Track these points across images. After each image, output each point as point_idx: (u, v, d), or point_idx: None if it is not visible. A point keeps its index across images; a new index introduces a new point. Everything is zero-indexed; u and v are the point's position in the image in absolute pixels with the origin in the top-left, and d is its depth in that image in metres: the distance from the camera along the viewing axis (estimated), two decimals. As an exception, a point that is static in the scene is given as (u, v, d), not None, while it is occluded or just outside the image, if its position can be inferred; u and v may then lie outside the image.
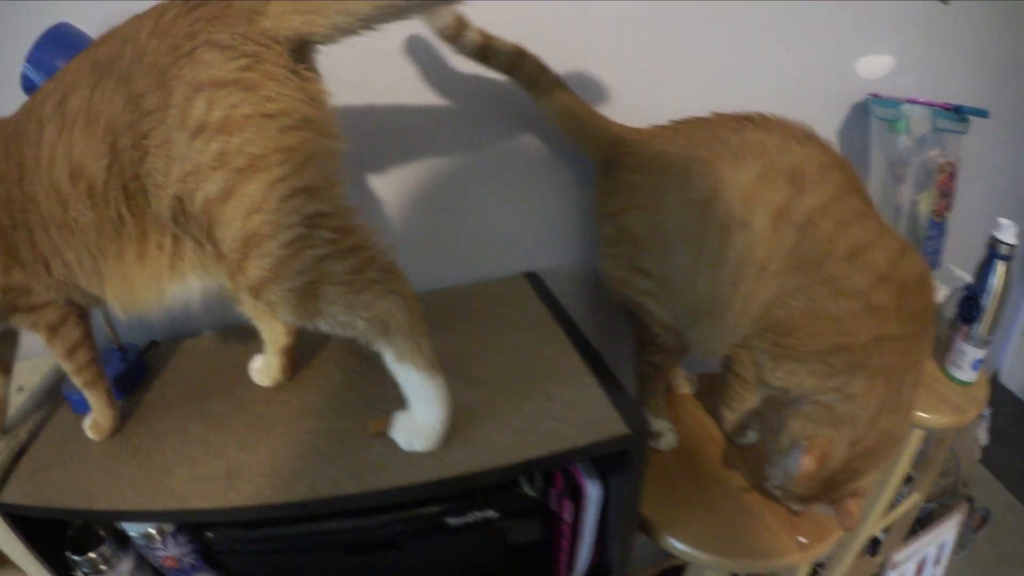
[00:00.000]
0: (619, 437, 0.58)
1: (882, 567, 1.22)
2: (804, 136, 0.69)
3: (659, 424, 0.87)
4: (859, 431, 0.68)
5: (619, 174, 0.78)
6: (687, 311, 0.76)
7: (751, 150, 0.68)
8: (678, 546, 0.75)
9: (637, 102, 0.81)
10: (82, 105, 0.50)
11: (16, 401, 0.86)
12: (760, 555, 0.74)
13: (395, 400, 0.62)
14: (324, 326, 0.55)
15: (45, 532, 0.71)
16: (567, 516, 0.68)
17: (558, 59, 0.80)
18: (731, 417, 0.85)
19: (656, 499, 0.79)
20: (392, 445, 0.61)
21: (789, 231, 0.66)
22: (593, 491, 0.66)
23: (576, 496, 0.68)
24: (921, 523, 1.34)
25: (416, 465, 0.59)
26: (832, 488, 0.70)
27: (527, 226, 0.91)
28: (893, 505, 1.14)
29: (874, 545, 1.32)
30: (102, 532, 0.75)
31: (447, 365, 0.69)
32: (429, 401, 0.58)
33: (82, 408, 0.74)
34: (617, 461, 0.63)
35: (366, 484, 0.58)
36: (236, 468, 0.63)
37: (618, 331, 0.99)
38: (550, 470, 0.68)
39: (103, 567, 0.74)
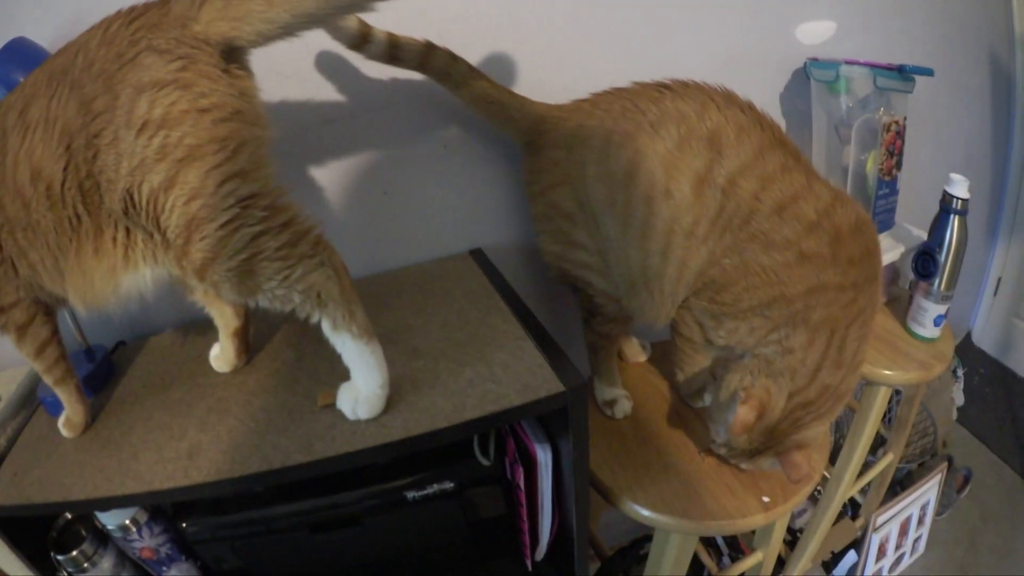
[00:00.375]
0: (555, 395, 0.59)
1: (864, 530, 1.23)
2: (723, 100, 0.70)
3: (613, 392, 0.88)
4: (798, 383, 0.69)
5: (542, 152, 0.79)
6: (624, 282, 0.78)
7: (669, 119, 0.69)
8: (640, 511, 0.76)
9: (574, 76, 0.82)
10: (41, 112, 0.54)
11: (-3, 409, 0.88)
12: (723, 516, 0.75)
13: (342, 375, 0.64)
14: (264, 301, 0.58)
15: (30, 535, 0.73)
16: (520, 482, 0.70)
17: (496, 38, 0.82)
18: (681, 378, 0.86)
19: (615, 467, 0.80)
20: (340, 416, 0.63)
21: (712, 195, 0.68)
22: (543, 455, 0.68)
23: (528, 462, 0.70)
24: (901, 484, 1.34)
25: (362, 433, 0.60)
26: (774, 439, 0.71)
27: (471, 204, 0.92)
28: (867, 466, 1.14)
29: (854, 508, 1.32)
30: (83, 531, 0.77)
31: (391, 339, 0.72)
32: (368, 368, 0.60)
33: (56, 410, 0.76)
34: (561, 423, 0.64)
35: (315, 453, 0.60)
36: (196, 448, 0.65)
37: (566, 299, 1.01)
38: (492, 430, 0.69)
39: (86, 564, 0.76)
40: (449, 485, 0.70)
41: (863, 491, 1.25)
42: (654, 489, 0.78)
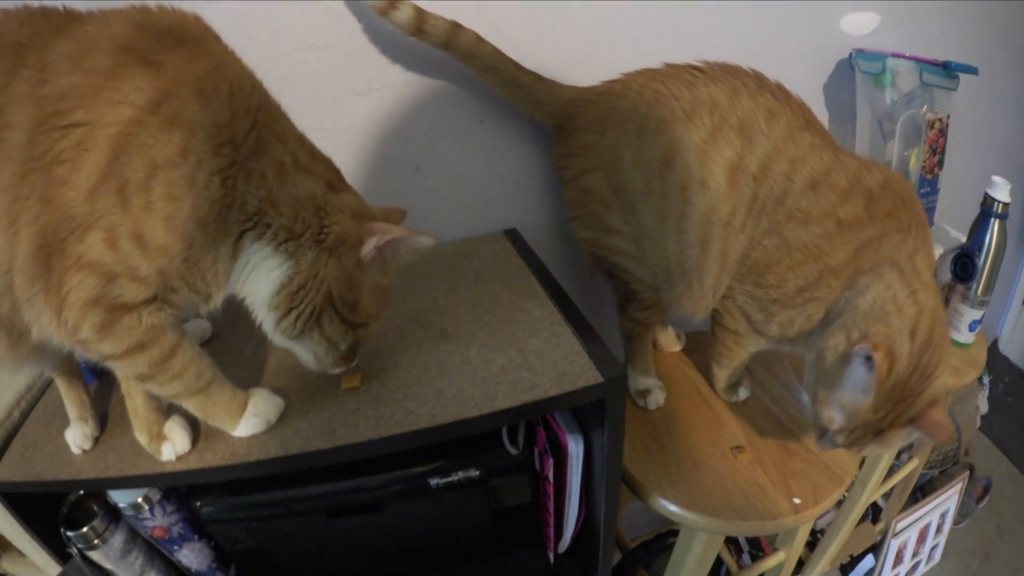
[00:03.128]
0: (593, 386, 0.54)
1: (884, 534, 1.17)
2: (755, 84, 0.67)
3: (647, 381, 0.83)
4: (908, 315, 0.57)
5: (574, 136, 0.75)
6: (661, 272, 0.73)
7: (703, 106, 0.66)
8: (668, 507, 0.71)
9: (616, 60, 0.77)
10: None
11: (10, 384, 0.84)
12: (753, 516, 0.69)
13: (371, 355, 0.59)
14: None
15: (40, 511, 0.69)
16: (549, 474, 0.64)
17: (531, 19, 0.77)
18: (721, 374, 0.80)
19: (646, 460, 0.75)
20: (364, 401, 0.58)
21: (746, 183, 0.65)
22: (574, 447, 0.62)
23: (557, 453, 0.65)
24: (922, 491, 1.28)
25: (387, 419, 0.55)
26: (905, 401, 0.58)
27: (507, 182, 0.86)
28: (892, 470, 1.08)
29: (875, 512, 1.26)
30: (94, 507, 0.73)
31: (419, 320, 0.67)
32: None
33: (91, 378, 0.73)
34: (596, 414, 0.59)
35: (336, 439, 0.54)
36: (212, 430, 0.60)
37: (602, 284, 0.96)
38: (523, 421, 0.64)
39: (96, 541, 0.71)
40: (475, 473, 0.64)
41: (885, 496, 1.19)
42: (684, 486, 0.72)
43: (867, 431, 0.59)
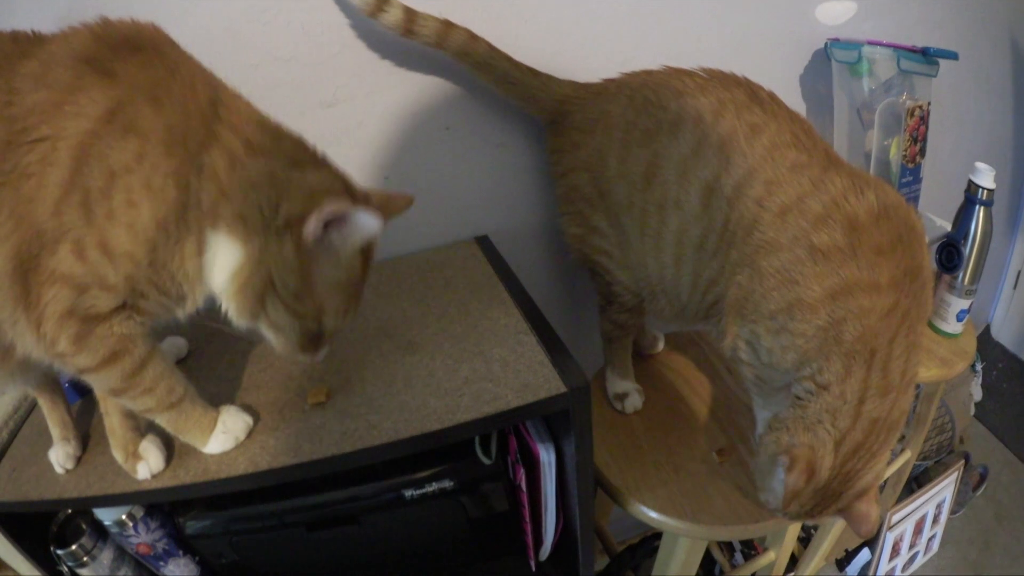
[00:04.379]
0: (556, 396, 0.52)
1: (879, 528, 1.14)
2: (745, 97, 0.62)
3: (625, 385, 0.81)
4: (841, 426, 0.55)
5: (565, 132, 0.73)
6: (645, 285, 0.71)
7: (687, 120, 0.62)
8: (648, 513, 0.69)
9: (591, 52, 0.75)
10: None
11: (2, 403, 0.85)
12: (734, 520, 0.68)
13: (338, 370, 0.58)
14: None
15: (31, 529, 0.69)
16: (522, 483, 0.63)
17: (505, 12, 0.75)
18: (757, 413, 0.73)
19: (624, 464, 0.74)
20: (330, 416, 0.57)
21: (719, 206, 0.60)
22: (546, 455, 0.61)
23: (529, 462, 0.63)
24: (918, 482, 1.26)
25: (351, 435, 0.54)
26: (832, 498, 0.58)
27: (476, 189, 0.85)
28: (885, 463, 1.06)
29: (869, 505, 1.24)
30: (82, 525, 0.73)
31: (387, 332, 0.65)
32: None
33: (73, 398, 0.73)
34: (566, 422, 0.57)
35: (302, 455, 0.54)
36: (185, 448, 0.60)
37: (574, 290, 0.94)
38: (486, 432, 0.62)
39: (85, 559, 0.71)
40: (449, 484, 0.63)
41: (879, 488, 1.17)
42: (663, 490, 0.71)
43: (800, 514, 0.60)
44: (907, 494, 1.17)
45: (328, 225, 0.47)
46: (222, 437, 0.58)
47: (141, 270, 0.47)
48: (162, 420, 0.58)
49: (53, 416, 0.67)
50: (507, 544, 0.74)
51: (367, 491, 0.65)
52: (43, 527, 0.72)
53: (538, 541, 0.70)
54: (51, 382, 0.68)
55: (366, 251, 0.52)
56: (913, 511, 1.16)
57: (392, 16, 0.68)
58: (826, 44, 0.92)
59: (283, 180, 0.47)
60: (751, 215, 0.58)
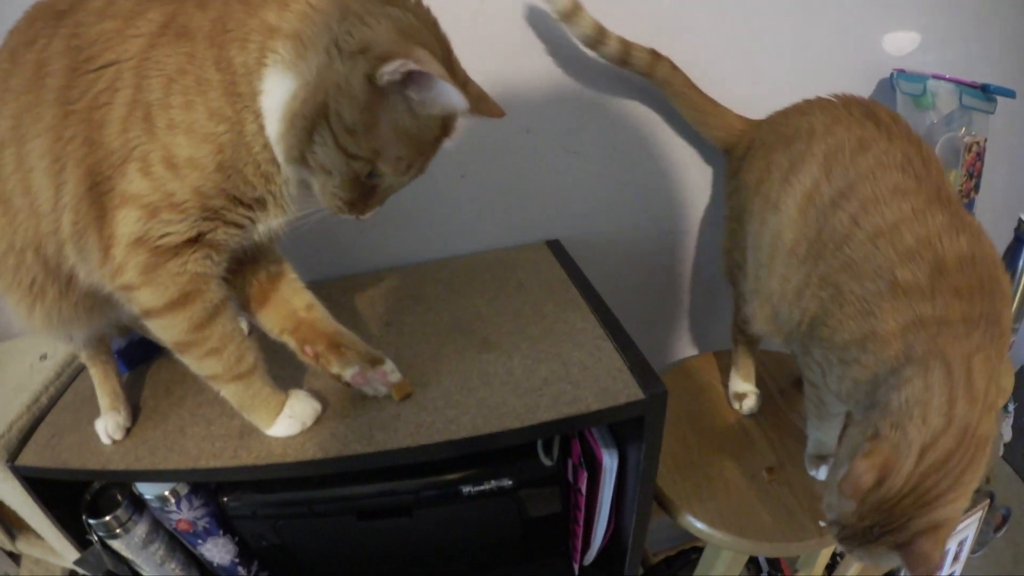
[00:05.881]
0: (634, 403, 0.54)
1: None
2: (860, 113, 0.65)
3: (745, 387, 0.86)
4: (933, 425, 0.49)
5: (731, 161, 0.81)
6: (747, 288, 0.76)
7: (801, 132, 0.67)
8: (696, 524, 0.71)
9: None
10: None
11: (41, 368, 0.85)
12: (779, 538, 0.69)
13: (410, 365, 0.58)
14: None
15: (63, 497, 0.69)
16: (582, 486, 0.64)
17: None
18: (809, 433, 0.75)
19: (676, 477, 0.75)
20: (403, 406, 0.57)
21: (815, 215, 0.62)
22: (609, 461, 0.62)
23: (592, 466, 0.64)
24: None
25: (427, 427, 0.55)
26: (898, 520, 0.51)
27: (550, 193, 0.86)
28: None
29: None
30: (119, 496, 0.73)
31: (460, 327, 0.67)
32: None
33: (124, 368, 0.73)
34: (634, 430, 0.58)
35: (375, 444, 0.54)
36: (249, 427, 0.60)
37: (640, 301, 0.95)
38: (562, 434, 0.63)
39: (118, 530, 0.71)
40: (507, 483, 0.64)
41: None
42: (712, 504, 0.72)
43: (855, 534, 0.54)
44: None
45: (409, 78, 0.43)
46: (288, 421, 0.58)
47: (209, 178, 0.47)
48: (228, 392, 0.57)
49: (104, 386, 0.67)
50: (553, 545, 0.75)
51: (425, 484, 0.65)
52: (76, 495, 0.72)
53: (586, 545, 0.71)
54: (104, 350, 0.68)
55: (446, 122, 0.49)
56: (936, 545, 1.17)
57: (611, 48, 0.75)
58: (893, 75, 0.94)
59: (367, 11, 0.44)
60: (844, 230, 0.59)
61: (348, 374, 0.58)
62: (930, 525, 0.49)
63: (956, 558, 1.23)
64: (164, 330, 0.52)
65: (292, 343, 0.60)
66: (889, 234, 0.57)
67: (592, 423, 0.55)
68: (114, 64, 0.45)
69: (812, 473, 0.76)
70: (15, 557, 0.99)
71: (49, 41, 0.47)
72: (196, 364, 0.55)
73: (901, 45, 0.97)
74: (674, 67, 0.79)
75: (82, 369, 0.80)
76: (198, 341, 0.53)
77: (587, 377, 0.57)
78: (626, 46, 0.76)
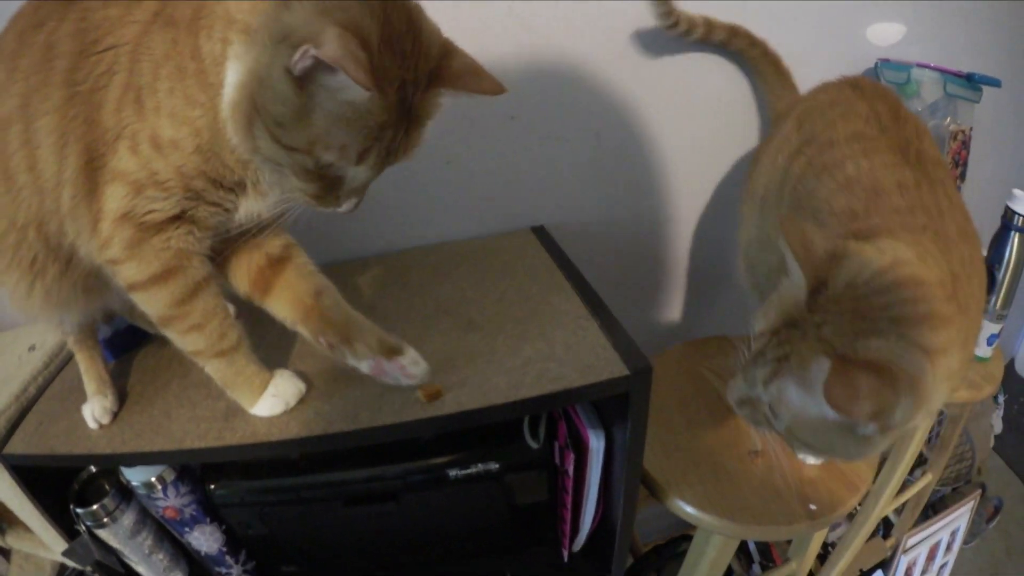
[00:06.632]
0: (619, 378, 0.54)
1: (894, 550, 1.16)
2: (847, 85, 0.70)
3: None
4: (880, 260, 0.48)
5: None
6: None
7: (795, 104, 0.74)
8: (685, 508, 0.71)
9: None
10: None
11: (29, 359, 0.85)
12: (769, 521, 0.69)
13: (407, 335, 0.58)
14: None
15: (51, 486, 0.69)
16: (569, 468, 0.64)
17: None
18: None
19: (664, 461, 0.75)
20: (390, 385, 0.58)
21: (782, 164, 0.67)
22: (596, 442, 0.62)
23: (579, 448, 0.65)
24: (934, 508, 1.28)
25: (412, 405, 0.55)
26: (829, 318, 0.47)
27: (535, 179, 0.87)
28: (905, 485, 1.08)
29: (886, 527, 1.25)
30: (106, 485, 0.73)
31: (446, 310, 0.67)
32: None
33: (110, 356, 0.73)
34: (619, 410, 0.59)
35: (359, 422, 0.55)
36: (234, 409, 0.60)
37: (624, 286, 0.94)
38: (548, 411, 0.64)
39: (106, 519, 0.71)
40: (494, 466, 0.64)
41: (897, 511, 1.19)
42: (701, 488, 0.72)
43: (761, 357, 0.49)
44: (923, 519, 1.19)
45: (319, 64, 0.40)
46: (272, 400, 0.58)
47: (189, 159, 0.49)
48: (211, 369, 0.58)
49: (91, 371, 0.67)
50: (541, 532, 0.75)
51: (411, 468, 0.66)
52: (63, 485, 0.72)
53: (575, 531, 0.71)
54: (91, 335, 0.69)
55: (404, 102, 0.45)
56: (928, 536, 1.18)
57: (700, 32, 0.81)
58: (876, 64, 0.95)
59: None
60: (799, 171, 0.63)
61: (364, 367, 0.56)
62: (873, 355, 0.43)
63: (948, 548, 1.24)
64: (147, 303, 0.54)
65: (306, 333, 0.59)
66: (832, 168, 0.58)
67: (577, 399, 0.55)
68: (113, 48, 0.48)
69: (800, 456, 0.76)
70: (5, 553, 0.99)
71: (58, 24, 0.48)
72: (179, 339, 0.56)
73: (886, 36, 0.98)
74: (752, 39, 0.84)
75: (70, 359, 0.80)
76: (180, 316, 0.54)
77: (572, 355, 0.57)
78: (708, 24, 0.81)
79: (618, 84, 0.84)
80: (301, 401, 0.59)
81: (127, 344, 0.77)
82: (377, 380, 0.57)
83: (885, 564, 1.17)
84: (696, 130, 0.92)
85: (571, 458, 0.63)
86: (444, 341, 0.59)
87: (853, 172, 0.56)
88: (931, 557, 1.22)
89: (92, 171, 0.49)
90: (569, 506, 0.68)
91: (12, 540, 0.92)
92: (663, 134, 0.90)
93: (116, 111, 0.48)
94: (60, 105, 0.48)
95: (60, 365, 0.82)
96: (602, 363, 0.56)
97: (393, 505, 0.68)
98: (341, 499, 0.68)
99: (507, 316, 0.64)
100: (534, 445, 0.64)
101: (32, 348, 0.88)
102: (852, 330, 0.44)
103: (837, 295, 0.45)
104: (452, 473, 0.65)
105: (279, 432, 0.57)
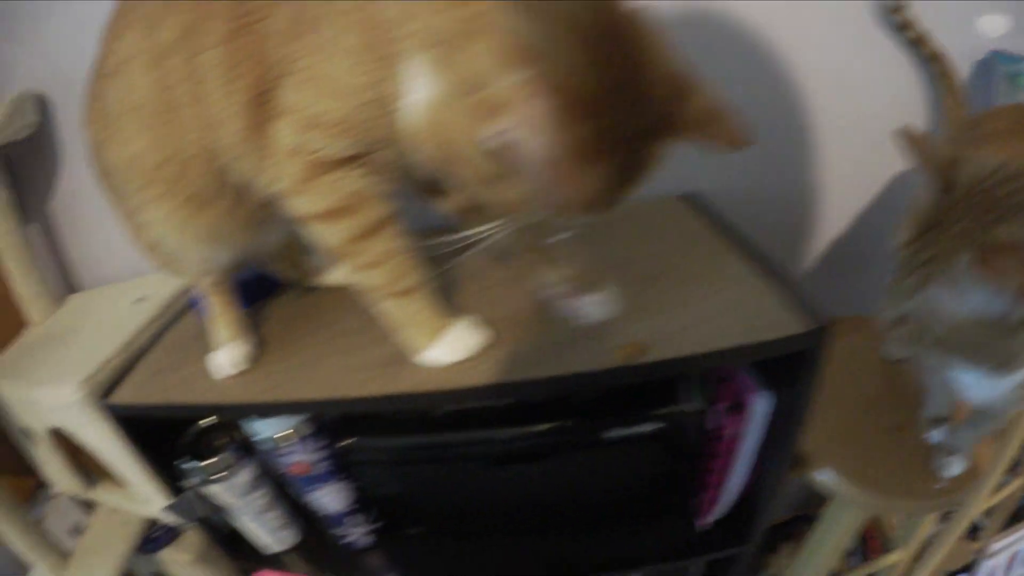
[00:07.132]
0: (805, 334, 0.52)
1: (978, 554, 1.14)
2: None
3: None
4: None
5: None
6: None
7: None
8: (827, 478, 0.71)
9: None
10: None
11: (139, 311, 0.83)
12: (901, 495, 0.70)
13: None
14: None
15: (154, 440, 0.66)
16: (727, 432, 0.63)
17: None
18: None
19: (808, 432, 0.75)
20: (566, 337, 0.56)
21: None
22: (760, 404, 0.61)
23: (740, 412, 0.63)
24: (1017, 516, 1.26)
25: (599, 356, 0.53)
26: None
27: (685, 148, 0.86)
28: (998, 487, 1.06)
29: (974, 530, 1.24)
30: (219, 440, 0.71)
31: (616, 265, 0.64)
32: None
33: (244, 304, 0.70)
34: (788, 372, 0.57)
35: (546, 371, 0.52)
36: (394, 357, 0.57)
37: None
38: (742, 363, 0.62)
39: (221, 475, 0.69)
40: (651, 427, 0.63)
41: (987, 514, 1.17)
42: (840, 459, 0.72)
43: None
44: (1008, 525, 1.17)
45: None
46: (450, 346, 0.56)
47: (357, 107, 0.46)
48: (385, 308, 0.56)
49: (226, 315, 0.65)
50: (671, 502, 0.73)
51: (565, 427, 0.64)
52: (167, 439, 0.68)
53: (717, 500, 0.70)
54: (228, 279, 0.66)
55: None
56: (1011, 543, 1.16)
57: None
58: (990, 55, 0.96)
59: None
60: None
61: (553, 293, 0.55)
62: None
63: (1028, 556, 1.22)
64: (322, 236, 0.52)
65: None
66: None
67: (758, 355, 0.53)
68: None
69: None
70: (89, 506, 0.96)
71: None
72: (355, 275, 0.54)
73: (995, 27, 0.99)
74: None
75: (185, 310, 0.78)
76: (355, 252, 0.52)
77: (746, 311, 0.56)
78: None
79: (770, 56, 0.84)
80: (483, 351, 0.56)
81: (255, 295, 0.75)
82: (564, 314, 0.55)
83: (968, 568, 1.15)
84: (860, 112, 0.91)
85: (733, 422, 0.62)
86: (622, 293, 0.58)
87: None
88: (1010, 564, 1.20)
89: (260, 104, 0.48)
90: (721, 471, 0.66)
91: (100, 493, 0.89)
92: (816, 109, 0.90)
93: (282, 44, 0.46)
94: (226, 38, 0.46)
95: (173, 316, 0.80)
96: (780, 320, 0.54)
97: (537, 466, 0.66)
98: (486, 458, 0.66)
99: (681, 271, 0.63)
100: (700, 406, 0.62)
101: (141, 299, 0.87)
102: (984, 221, 0.47)
103: (964, 194, 0.49)
104: (607, 434, 0.64)
105: (454, 380, 0.54)
